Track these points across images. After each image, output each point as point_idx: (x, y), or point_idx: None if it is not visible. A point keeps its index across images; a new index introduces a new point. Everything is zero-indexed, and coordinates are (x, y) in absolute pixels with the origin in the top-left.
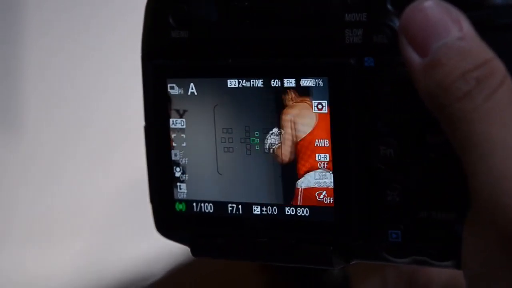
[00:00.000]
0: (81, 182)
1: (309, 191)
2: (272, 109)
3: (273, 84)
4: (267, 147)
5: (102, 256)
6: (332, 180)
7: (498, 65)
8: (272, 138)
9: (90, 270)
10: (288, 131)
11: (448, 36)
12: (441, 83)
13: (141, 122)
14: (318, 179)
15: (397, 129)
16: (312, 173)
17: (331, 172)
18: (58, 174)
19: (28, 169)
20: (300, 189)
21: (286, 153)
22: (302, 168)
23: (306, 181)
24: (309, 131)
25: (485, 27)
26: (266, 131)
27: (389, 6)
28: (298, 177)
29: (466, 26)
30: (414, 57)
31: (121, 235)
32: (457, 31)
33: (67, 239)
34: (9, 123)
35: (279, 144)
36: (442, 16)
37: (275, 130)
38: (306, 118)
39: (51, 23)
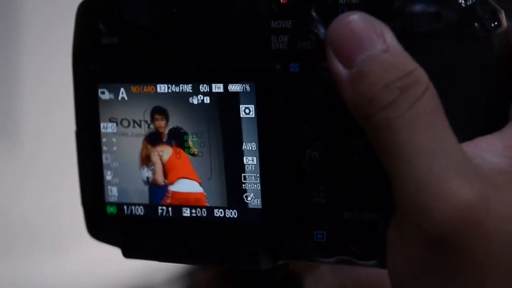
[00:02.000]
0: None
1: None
2: (201, 113)
3: (201, 89)
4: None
5: (105, 265)
6: (260, 182)
7: (421, 75)
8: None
9: (93, 278)
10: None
11: (372, 48)
12: (365, 94)
13: None
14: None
15: (322, 132)
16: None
17: (258, 175)
18: (57, 182)
19: (28, 177)
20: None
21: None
22: None
23: None
24: None
25: (405, 35)
26: (195, 135)
27: (314, 14)
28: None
29: (390, 38)
30: (340, 68)
31: None
32: (381, 44)
33: (70, 248)
34: (8, 132)
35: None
36: (366, 29)
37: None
38: None
39: (49, 31)
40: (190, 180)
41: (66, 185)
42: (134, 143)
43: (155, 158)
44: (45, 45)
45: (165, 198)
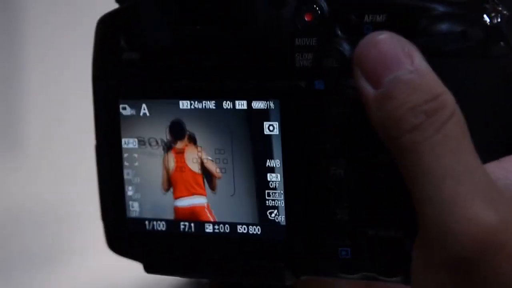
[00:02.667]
0: (85, 199)
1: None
2: (224, 130)
3: (225, 106)
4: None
5: (111, 273)
6: (283, 199)
7: (448, 99)
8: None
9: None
10: None
11: (400, 69)
12: (392, 115)
13: None
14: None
15: (346, 149)
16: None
17: (282, 192)
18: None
19: (31, 187)
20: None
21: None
22: None
23: None
24: None
25: (432, 54)
26: (218, 152)
27: (338, 31)
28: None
29: (418, 59)
30: (367, 88)
31: None
32: (409, 65)
33: (75, 259)
34: (12, 143)
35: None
36: (394, 49)
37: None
38: None
39: (53, 41)
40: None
41: (68, 195)
42: (156, 158)
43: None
44: (49, 53)
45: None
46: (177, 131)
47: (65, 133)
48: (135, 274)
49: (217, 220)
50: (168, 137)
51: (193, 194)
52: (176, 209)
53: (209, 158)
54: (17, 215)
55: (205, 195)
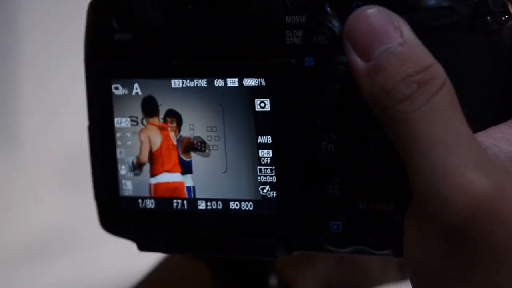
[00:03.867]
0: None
1: None
2: (216, 108)
3: (216, 83)
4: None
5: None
6: (275, 175)
7: (439, 70)
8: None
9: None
10: None
11: (390, 42)
12: (383, 87)
13: None
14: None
15: (337, 125)
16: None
17: (273, 168)
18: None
19: (26, 184)
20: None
21: None
22: None
23: None
24: None
25: (420, 29)
26: (210, 129)
27: (328, 8)
28: None
29: (407, 32)
30: (358, 61)
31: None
32: (398, 37)
33: (66, 253)
34: (7, 138)
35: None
36: (384, 23)
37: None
38: None
39: (48, 39)
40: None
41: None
42: None
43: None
44: (45, 52)
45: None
46: (150, 107)
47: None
48: None
49: (208, 197)
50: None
51: (170, 171)
52: (154, 186)
53: (198, 135)
54: None
55: (181, 173)
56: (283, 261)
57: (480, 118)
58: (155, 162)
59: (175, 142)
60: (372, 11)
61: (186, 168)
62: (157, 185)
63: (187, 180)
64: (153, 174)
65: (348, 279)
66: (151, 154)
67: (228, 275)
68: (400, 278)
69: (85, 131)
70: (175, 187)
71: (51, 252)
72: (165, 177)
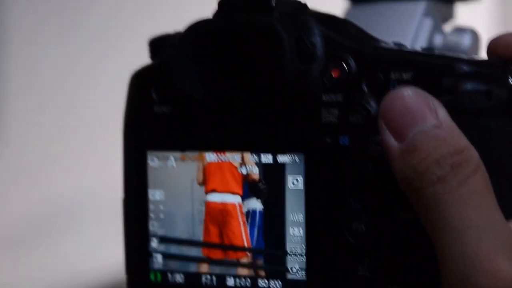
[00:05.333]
0: (65, 185)
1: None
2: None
3: (250, 160)
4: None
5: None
6: (305, 254)
7: (473, 154)
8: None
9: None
10: None
11: (425, 123)
12: (416, 168)
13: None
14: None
15: (369, 205)
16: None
17: (304, 246)
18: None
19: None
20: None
21: None
22: None
23: None
24: None
25: (457, 112)
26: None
27: (365, 88)
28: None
29: (443, 114)
30: (392, 142)
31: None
32: (434, 119)
33: (55, 242)
34: None
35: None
36: (419, 104)
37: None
38: None
39: (36, 28)
40: None
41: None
42: (181, 211)
43: None
44: (32, 42)
45: None
46: None
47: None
48: None
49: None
50: None
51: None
52: (207, 204)
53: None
54: None
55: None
56: None
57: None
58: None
59: None
60: (408, 92)
61: None
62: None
63: None
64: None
65: None
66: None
67: None
68: None
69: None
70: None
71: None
72: None
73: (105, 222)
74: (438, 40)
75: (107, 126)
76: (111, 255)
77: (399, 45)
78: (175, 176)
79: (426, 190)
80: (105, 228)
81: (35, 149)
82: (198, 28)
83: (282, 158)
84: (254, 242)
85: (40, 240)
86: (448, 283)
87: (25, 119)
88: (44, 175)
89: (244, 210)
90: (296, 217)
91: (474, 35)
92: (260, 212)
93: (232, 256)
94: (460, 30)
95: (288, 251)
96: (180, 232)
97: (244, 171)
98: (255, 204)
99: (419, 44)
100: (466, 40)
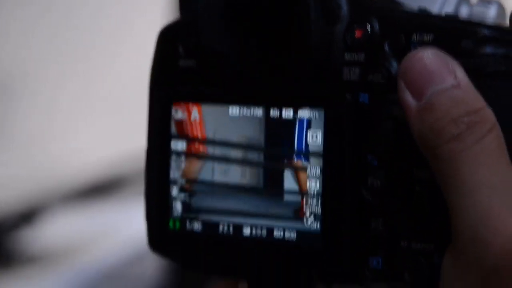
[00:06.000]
0: None
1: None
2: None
3: (272, 114)
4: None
5: None
6: (321, 207)
7: (489, 114)
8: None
9: None
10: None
11: (443, 83)
12: (433, 126)
13: None
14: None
15: (386, 162)
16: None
17: (320, 199)
18: None
19: None
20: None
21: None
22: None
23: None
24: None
25: (476, 74)
26: (263, 158)
27: (386, 48)
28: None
29: (461, 75)
30: (410, 100)
31: None
32: (452, 79)
33: None
34: None
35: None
36: (438, 64)
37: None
38: None
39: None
40: None
41: None
42: (201, 161)
43: None
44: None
45: None
46: None
47: None
48: None
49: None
50: None
51: None
52: None
53: None
54: None
55: None
56: None
57: None
58: None
59: None
60: (428, 53)
61: None
62: None
63: None
64: None
65: None
66: None
67: None
68: None
69: None
70: None
71: None
72: None
73: None
74: (464, 11)
75: None
76: None
77: (423, 10)
78: (199, 128)
79: (442, 148)
80: None
81: None
82: None
83: (303, 113)
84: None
85: None
86: (459, 239)
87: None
88: None
89: None
90: (314, 171)
91: (500, 7)
92: None
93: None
94: (486, 2)
95: (304, 204)
96: (201, 181)
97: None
98: None
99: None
100: (491, 12)
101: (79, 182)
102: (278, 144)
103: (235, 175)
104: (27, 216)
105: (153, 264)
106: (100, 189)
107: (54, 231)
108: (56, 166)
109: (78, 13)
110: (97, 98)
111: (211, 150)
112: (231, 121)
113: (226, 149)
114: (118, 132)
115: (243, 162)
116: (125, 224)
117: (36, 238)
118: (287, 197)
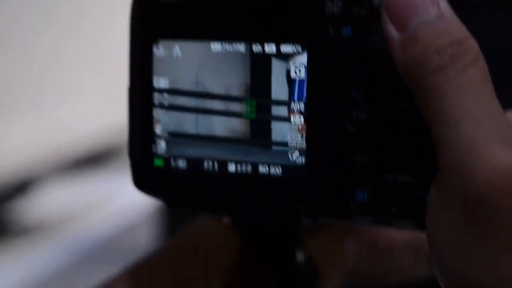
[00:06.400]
0: None
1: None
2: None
3: (254, 49)
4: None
5: None
6: (305, 141)
7: (472, 45)
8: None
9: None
10: None
11: (427, 14)
12: (417, 57)
13: None
14: (292, 139)
15: (370, 94)
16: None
17: (304, 134)
18: None
19: None
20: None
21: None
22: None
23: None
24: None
25: (460, 4)
26: (244, 94)
27: None
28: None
29: (444, 5)
30: (393, 32)
31: None
32: (435, 10)
33: None
34: None
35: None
36: None
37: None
38: None
39: None
40: None
41: None
42: (185, 99)
43: None
44: None
45: None
46: None
47: None
48: None
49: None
50: None
51: None
52: None
53: None
54: None
55: None
56: (311, 240)
57: (510, 95)
58: None
59: None
60: None
61: None
62: None
63: None
64: None
65: (378, 268)
66: None
67: (256, 246)
68: (431, 272)
69: None
70: None
71: None
72: None
73: None
74: None
75: None
76: None
77: None
78: (181, 65)
79: (426, 79)
80: None
81: None
82: None
83: (286, 48)
84: None
85: None
86: (444, 170)
87: None
88: None
89: None
90: (298, 105)
91: None
92: None
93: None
94: None
95: (289, 138)
96: (184, 119)
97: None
98: None
99: None
100: None
101: (73, 152)
102: (262, 82)
103: (219, 121)
104: (21, 186)
105: (146, 233)
106: (93, 159)
107: (49, 201)
108: (50, 136)
109: None
110: (92, 67)
111: (193, 87)
112: (213, 58)
113: (210, 87)
114: (113, 102)
115: (226, 100)
116: (119, 193)
117: (30, 209)
118: (275, 148)
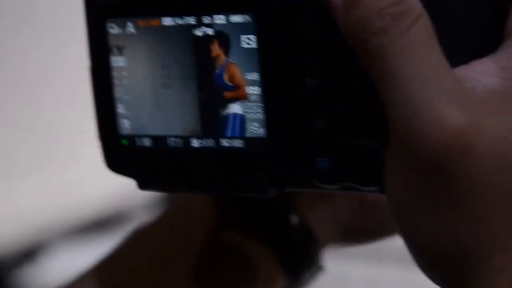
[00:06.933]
0: None
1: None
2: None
3: (204, 21)
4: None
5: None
6: (264, 112)
7: (414, 3)
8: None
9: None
10: None
11: None
12: (358, 20)
13: None
14: (249, 111)
15: (321, 60)
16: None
17: (262, 105)
18: None
19: None
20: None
21: None
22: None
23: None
24: None
25: None
26: (199, 67)
27: None
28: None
29: None
30: None
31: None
32: None
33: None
34: None
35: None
36: None
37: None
38: None
39: None
40: None
41: None
42: (144, 75)
43: None
44: None
45: None
46: None
47: None
48: None
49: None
50: None
51: None
52: None
53: None
54: None
55: None
56: (301, 201)
57: (461, 53)
58: None
59: None
60: None
61: None
62: None
63: None
64: None
65: (370, 225)
66: None
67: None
68: None
69: None
70: None
71: None
72: None
73: None
74: None
75: None
76: None
77: None
78: (136, 42)
79: (369, 42)
80: None
81: None
82: None
83: (235, 18)
84: None
85: None
86: (395, 134)
87: None
88: None
89: None
90: (252, 76)
91: None
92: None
93: None
94: None
95: (248, 110)
96: (145, 96)
97: (200, 33)
98: None
99: None
100: None
101: (80, 218)
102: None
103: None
104: (29, 253)
105: None
106: (101, 225)
107: (56, 268)
108: (57, 202)
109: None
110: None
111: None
112: (166, 34)
113: (165, 63)
114: None
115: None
116: None
117: (38, 275)
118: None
